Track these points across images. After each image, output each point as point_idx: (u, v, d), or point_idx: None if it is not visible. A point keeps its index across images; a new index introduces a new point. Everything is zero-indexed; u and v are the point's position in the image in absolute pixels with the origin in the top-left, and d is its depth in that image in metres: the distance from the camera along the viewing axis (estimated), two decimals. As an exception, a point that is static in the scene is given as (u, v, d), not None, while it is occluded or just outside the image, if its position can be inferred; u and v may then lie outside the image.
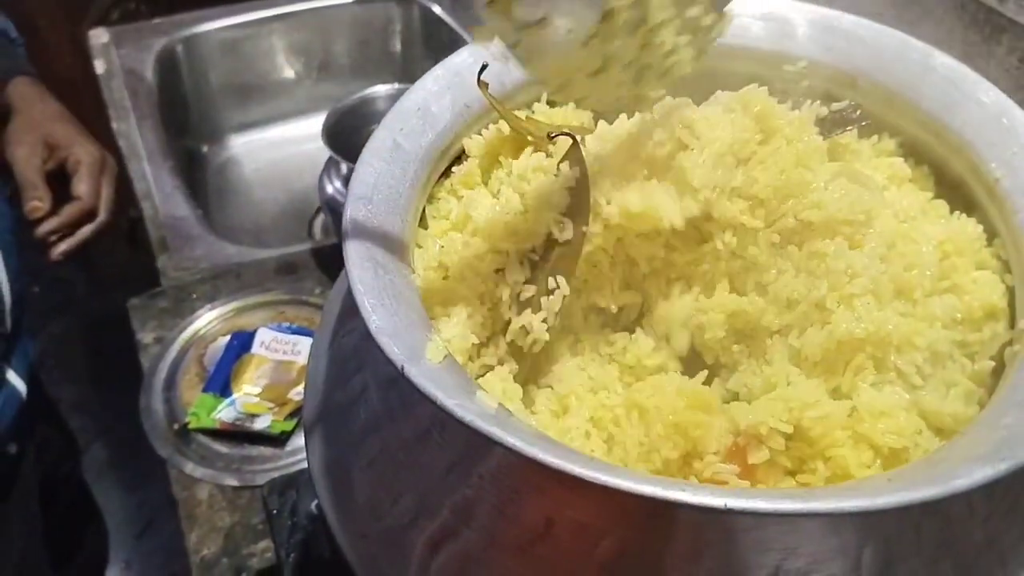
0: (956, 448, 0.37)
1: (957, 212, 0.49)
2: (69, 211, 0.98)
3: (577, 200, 0.46)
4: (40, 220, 0.96)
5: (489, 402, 0.36)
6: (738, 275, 0.46)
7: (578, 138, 0.47)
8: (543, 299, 0.45)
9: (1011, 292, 0.45)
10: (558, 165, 0.47)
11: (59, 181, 1.00)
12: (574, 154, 0.46)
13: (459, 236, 0.48)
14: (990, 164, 0.48)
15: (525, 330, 0.44)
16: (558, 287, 0.45)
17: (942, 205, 0.50)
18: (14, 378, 0.92)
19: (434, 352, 0.38)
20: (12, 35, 1.06)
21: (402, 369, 0.36)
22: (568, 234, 0.45)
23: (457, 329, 0.44)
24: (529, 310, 0.45)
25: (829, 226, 0.45)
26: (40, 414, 1.05)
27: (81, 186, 0.99)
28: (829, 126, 0.51)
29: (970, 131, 0.49)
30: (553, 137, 0.48)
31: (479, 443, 0.39)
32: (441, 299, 0.46)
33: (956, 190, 0.50)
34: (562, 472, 0.32)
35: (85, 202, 0.99)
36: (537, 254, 0.46)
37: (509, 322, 0.45)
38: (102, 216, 1.01)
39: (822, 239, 0.45)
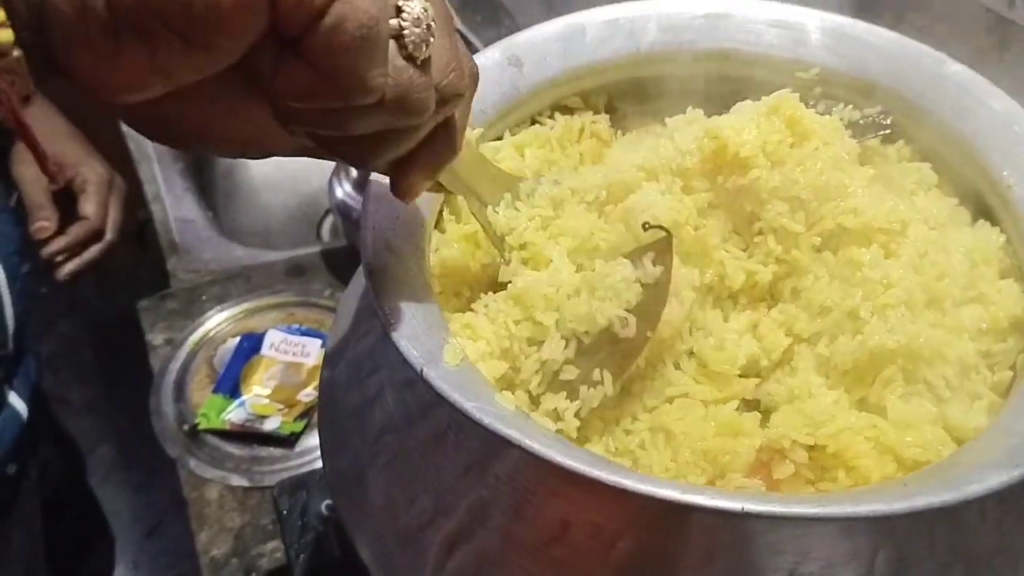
0: (970, 454, 0.38)
1: (980, 220, 0.49)
2: (76, 231, 0.98)
3: (651, 299, 0.41)
4: (47, 240, 0.96)
5: (507, 405, 0.36)
6: (778, 281, 0.46)
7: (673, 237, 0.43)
8: (583, 388, 0.40)
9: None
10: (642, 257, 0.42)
11: (66, 201, 1.00)
12: (664, 251, 0.41)
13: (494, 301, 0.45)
14: (1002, 172, 0.48)
15: (556, 414, 0.41)
16: (602, 383, 0.40)
17: (965, 212, 0.50)
18: (15, 400, 0.91)
19: (452, 355, 0.38)
20: None
21: (421, 371, 0.37)
22: (630, 333, 0.41)
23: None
24: (564, 394, 0.41)
25: (865, 233, 0.45)
26: (43, 433, 1.04)
27: (88, 206, 0.99)
28: (858, 131, 0.51)
29: (982, 139, 0.49)
30: (647, 228, 0.43)
31: (496, 445, 0.39)
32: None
33: (971, 198, 0.50)
34: (579, 474, 0.33)
35: (92, 222, 0.99)
36: (589, 336, 0.42)
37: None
38: (109, 236, 1.01)
39: (858, 246, 0.45)
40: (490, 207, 0.47)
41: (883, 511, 0.31)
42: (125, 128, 1.31)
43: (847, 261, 0.45)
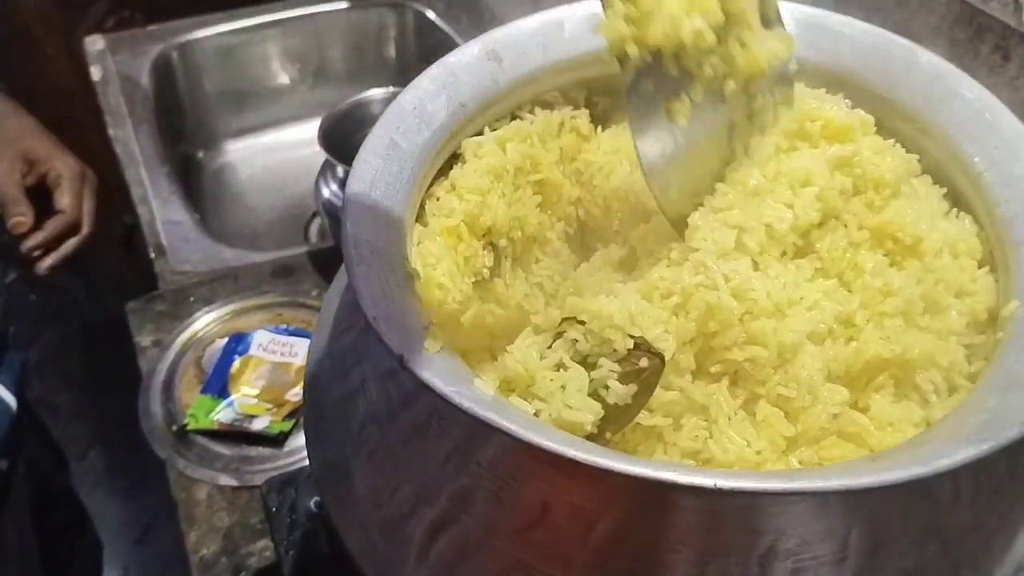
0: (940, 430, 0.38)
1: (954, 209, 0.50)
2: (53, 225, 0.98)
3: (616, 415, 0.40)
4: (24, 235, 0.96)
5: (486, 389, 0.37)
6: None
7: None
8: None
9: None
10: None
11: (39, 196, 1.00)
12: (646, 378, 0.40)
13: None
14: (974, 158, 0.49)
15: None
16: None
17: (944, 203, 0.51)
18: (3, 392, 0.92)
19: (431, 343, 0.39)
20: None
21: (401, 359, 0.37)
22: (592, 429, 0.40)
23: None
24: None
25: (878, 237, 0.46)
26: (29, 429, 1.04)
27: (64, 199, 0.99)
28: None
29: (954, 126, 0.50)
30: (635, 350, 0.40)
31: (476, 431, 0.40)
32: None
33: (946, 186, 0.51)
34: (557, 456, 0.33)
35: (69, 215, 0.99)
36: None
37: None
38: (85, 229, 1.01)
39: (868, 249, 0.45)
40: None
41: (853, 485, 0.31)
42: (112, 131, 1.32)
43: (852, 265, 0.45)
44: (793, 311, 0.42)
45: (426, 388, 0.36)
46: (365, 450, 0.46)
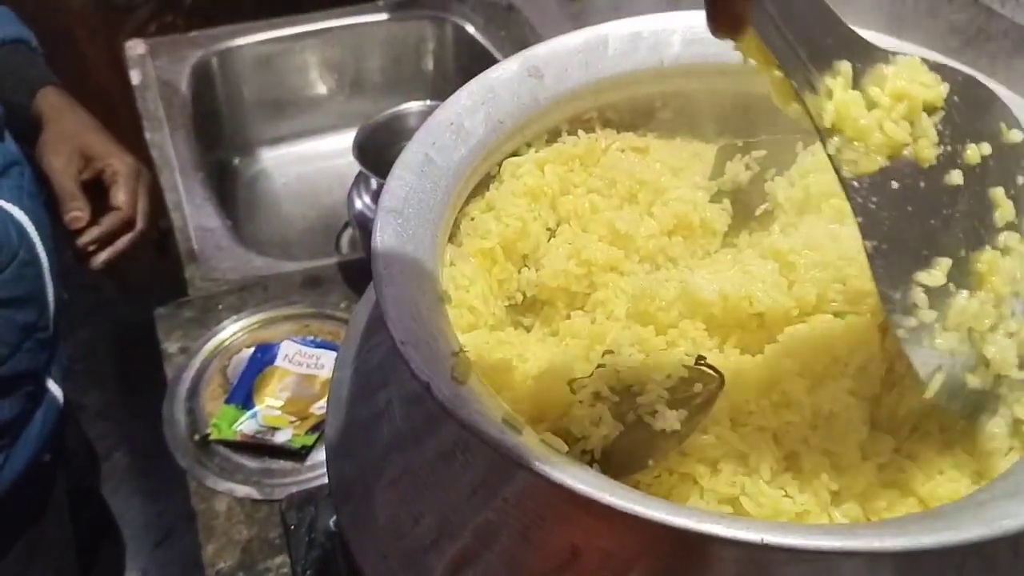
0: (999, 488, 0.36)
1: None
2: (109, 221, 0.98)
3: (662, 440, 0.38)
4: (80, 230, 0.96)
5: (516, 423, 0.35)
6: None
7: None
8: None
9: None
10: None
11: (94, 191, 1.00)
12: (700, 403, 0.38)
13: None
14: None
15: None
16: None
17: None
18: (53, 386, 0.92)
19: (461, 371, 0.37)
20: (34, 44, 1.07)
21: (428, 387, 0.35)
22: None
23: None
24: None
25: None
26: (68, 423, 1.05)
27: (120, 196, 0.99)
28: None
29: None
30: (699, 363, 0.39)
31: (504, 466, 0.38)
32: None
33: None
34: (591, 500, 0.31)
35: (125, 212, 0.99)
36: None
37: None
38: (140, 225, 1.01)
39: None
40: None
41: (913, 546, 0.29)
42: (149, 136, 1.32)
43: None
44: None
45: (453, 418, 0.34)
46: (387, 476, 0.44)
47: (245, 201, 1.45)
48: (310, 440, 0.88)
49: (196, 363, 0.98)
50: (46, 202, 0.95)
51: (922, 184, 0.37)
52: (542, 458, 0.32)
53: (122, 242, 1.00)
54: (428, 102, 1.06)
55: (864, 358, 0.40)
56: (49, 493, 0.97)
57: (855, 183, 0.36)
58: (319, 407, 0.90)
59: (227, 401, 0.92)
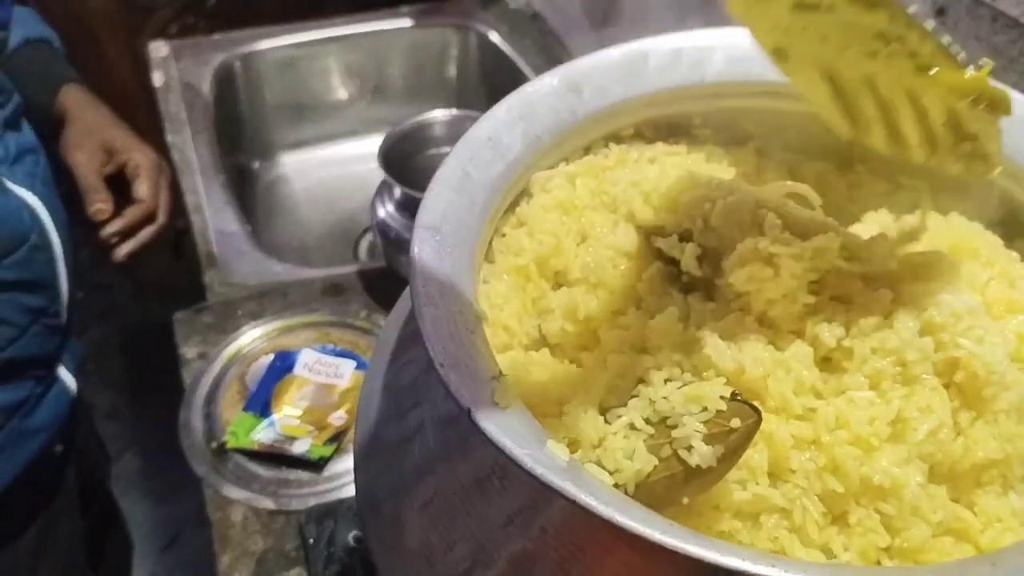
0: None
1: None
2: (132, 213, 0.99)
3: (697, 476, 0.37)
4: (103, 223, 0.97)
5: (560, 454, 0.34)
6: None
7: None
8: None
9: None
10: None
11: (116, 185, 1.00)
12: (736, 439, 0.37)
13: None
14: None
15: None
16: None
17: None
18: (65, 374, 0.92)
19: (502, 395, 0.36)
20: (56, 44, 1.07)
21: (469, 413, 0.34)
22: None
23: None
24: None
25: None
26: (80, 418, 1.05)
27: (142, 189, 1.00)
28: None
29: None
30: (733, 398, 0.38)
31: (543, 494, 0.37)
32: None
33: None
34: (637, 536, 0.30)
35: (147, 204, 1.00)
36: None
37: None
38: (161, 219, 1.02)
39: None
40: None
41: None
42: (170, 138, 1.32)
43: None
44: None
45: (494, 446, 0.33)
46: (419, 499, 0.43)
47: (264, 205, 1.45)
48: (328, 451, 0.87)
49: (214, 369, 0.97)
50: (66, 195, 0.95)
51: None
52: (588, 491, 0.31)
53: (144, 234, 1.00)
54: (454, 111, 1.05)
55: (934, 425, 0.38)
56: (60, 485, 0.97)
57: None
58: (337, 417, 0.89)
59: (245, 409, 0.91)
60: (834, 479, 0.35)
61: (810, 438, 0.37)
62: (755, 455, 0.37)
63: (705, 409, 0.38)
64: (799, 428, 0.37)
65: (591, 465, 0.36)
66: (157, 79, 1.43)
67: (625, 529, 0.30)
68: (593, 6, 1.26)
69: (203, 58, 1.44)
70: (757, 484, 0.36)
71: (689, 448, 0.37)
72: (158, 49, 1.48)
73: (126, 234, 0.99)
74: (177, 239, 1.27)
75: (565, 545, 0.36)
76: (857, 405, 0.37)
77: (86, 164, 0.98)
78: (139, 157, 1.01)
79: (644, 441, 0.39)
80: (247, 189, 1.43)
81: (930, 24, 0.38)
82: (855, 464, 0.36)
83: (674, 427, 0.38)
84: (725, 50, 0.53)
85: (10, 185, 0.83)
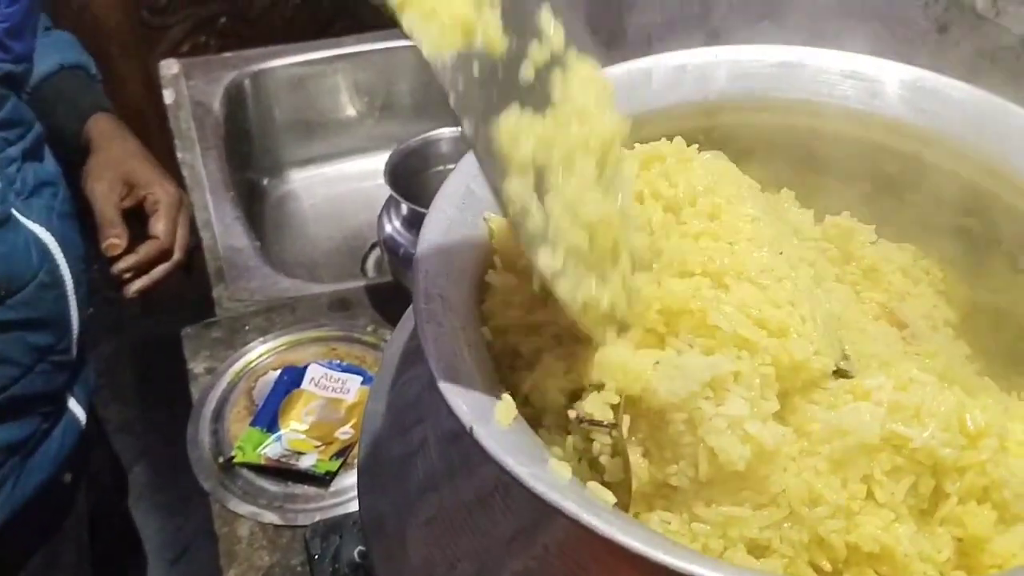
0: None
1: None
2: (146, 250, 0.98)
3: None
4: (117, 257, 0.96)
5: (562, 472, 0.34)
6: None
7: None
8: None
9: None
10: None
11: (134, 219, 1.00)
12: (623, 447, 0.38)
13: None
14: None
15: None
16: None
17: None
18: (75, 406, 0.92)
19: (503, 413, 0.36)
20: (93, 71, 1.08)
21: (470, 430, 0.35)
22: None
23: None
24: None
25: None
26: (95, 442, 1.04)
27: (159, 225, 0.99)
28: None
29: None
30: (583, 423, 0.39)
31: (546, 512, 0.37)
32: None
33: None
34: (641, 556, 0.30)
35: (162, 242, 0.99)
36: None
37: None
38: (177, 256, 1.01)
39: None
40: None
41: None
42: (180, 155, 1.33)
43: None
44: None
45: (496, 463, 0.33)
46: (422, 516, 0.43)
47: (273, 221, 1.45)
48: (335, 466, 0.87)
49: (222, 384, 0.97)
50: (83, 225, 0.95)
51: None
52: (590, 510, 0.31)
53: (158, 271, 0.99)
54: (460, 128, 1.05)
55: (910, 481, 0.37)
56: (67, 513, 0.96)
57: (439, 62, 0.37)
58: (344, 432, 0.90)
59: (252, 423, 0.91)
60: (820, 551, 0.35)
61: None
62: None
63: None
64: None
65: (594, 484, 0.35)
66: (168, 97, 1.44)
67: (626, 548, 0.30)
68: (599, 26, 1.27)
69: (213, 76, 1.46)
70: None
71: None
72: (169, 67, 1.50)
73: (139, 270, 0.98)
74: (188, 256, 1.28)
75: (568, 564, 0.36)
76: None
77: (105, 196, 0.97)
78: (159, 192, 1.00)
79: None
80: (256, 205, 1.44)
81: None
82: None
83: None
84: (728, 67, 0.54)
85: (23, 220, 0.82)
